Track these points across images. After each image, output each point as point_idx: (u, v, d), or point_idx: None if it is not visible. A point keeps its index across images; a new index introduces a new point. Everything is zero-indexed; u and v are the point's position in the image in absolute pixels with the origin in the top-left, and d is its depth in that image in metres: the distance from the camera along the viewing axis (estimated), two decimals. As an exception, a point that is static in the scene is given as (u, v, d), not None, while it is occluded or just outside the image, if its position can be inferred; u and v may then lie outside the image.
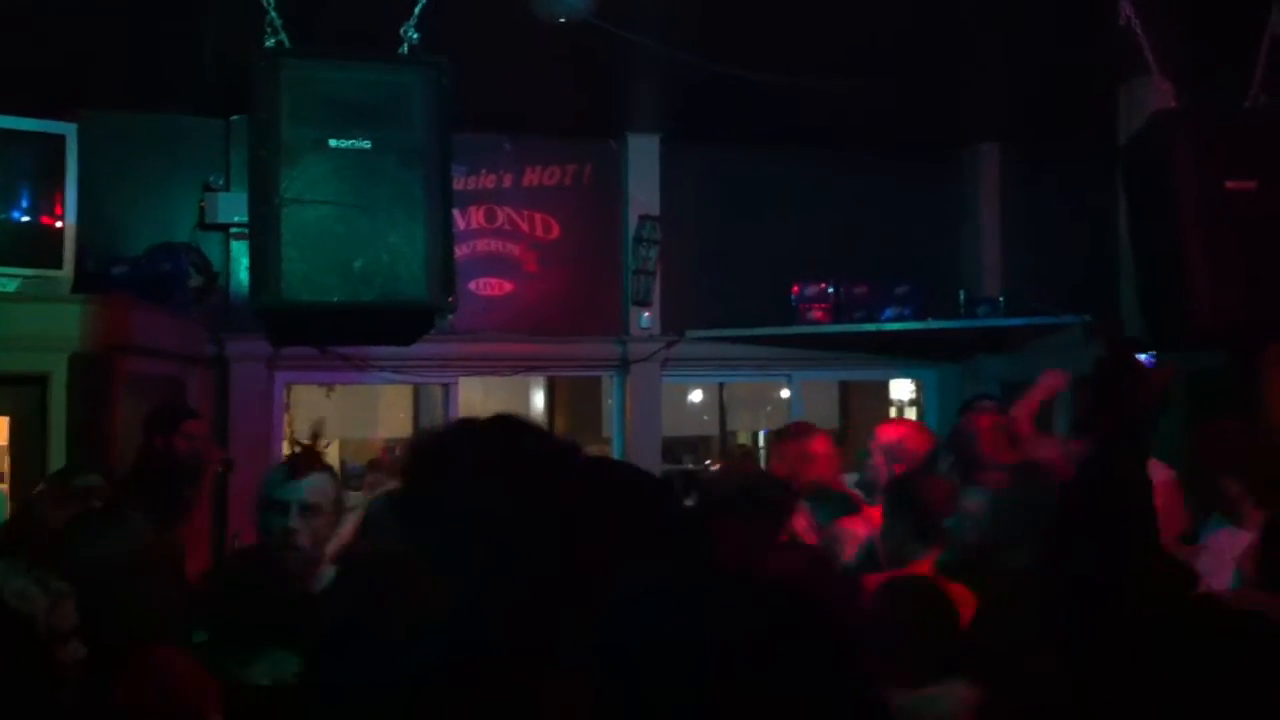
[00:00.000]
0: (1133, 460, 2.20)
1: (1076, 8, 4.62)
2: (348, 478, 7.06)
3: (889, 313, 7.01)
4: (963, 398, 6.51)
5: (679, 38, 5.13)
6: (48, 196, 5.54)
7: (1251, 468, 3.65)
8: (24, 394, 5.12)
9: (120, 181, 6.33)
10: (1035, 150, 7.03)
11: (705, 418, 10.06)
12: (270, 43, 3.66)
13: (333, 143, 3.60)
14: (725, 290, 7.16)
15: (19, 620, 2.05)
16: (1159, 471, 3.23)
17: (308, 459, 3.04)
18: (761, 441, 9.33)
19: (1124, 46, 4.26)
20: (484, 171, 6.97)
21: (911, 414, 8.28)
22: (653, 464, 6.85)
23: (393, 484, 3.20)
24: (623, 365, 7.18)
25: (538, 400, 9.93)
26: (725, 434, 9.76)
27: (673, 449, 8.70)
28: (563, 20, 4.80)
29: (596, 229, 7.18)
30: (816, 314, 7.08)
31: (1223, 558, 3.42)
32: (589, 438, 8.93)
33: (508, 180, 7.05)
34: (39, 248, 5.50)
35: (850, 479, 4.73)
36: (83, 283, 5.57)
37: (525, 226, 7.09)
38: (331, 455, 5.37)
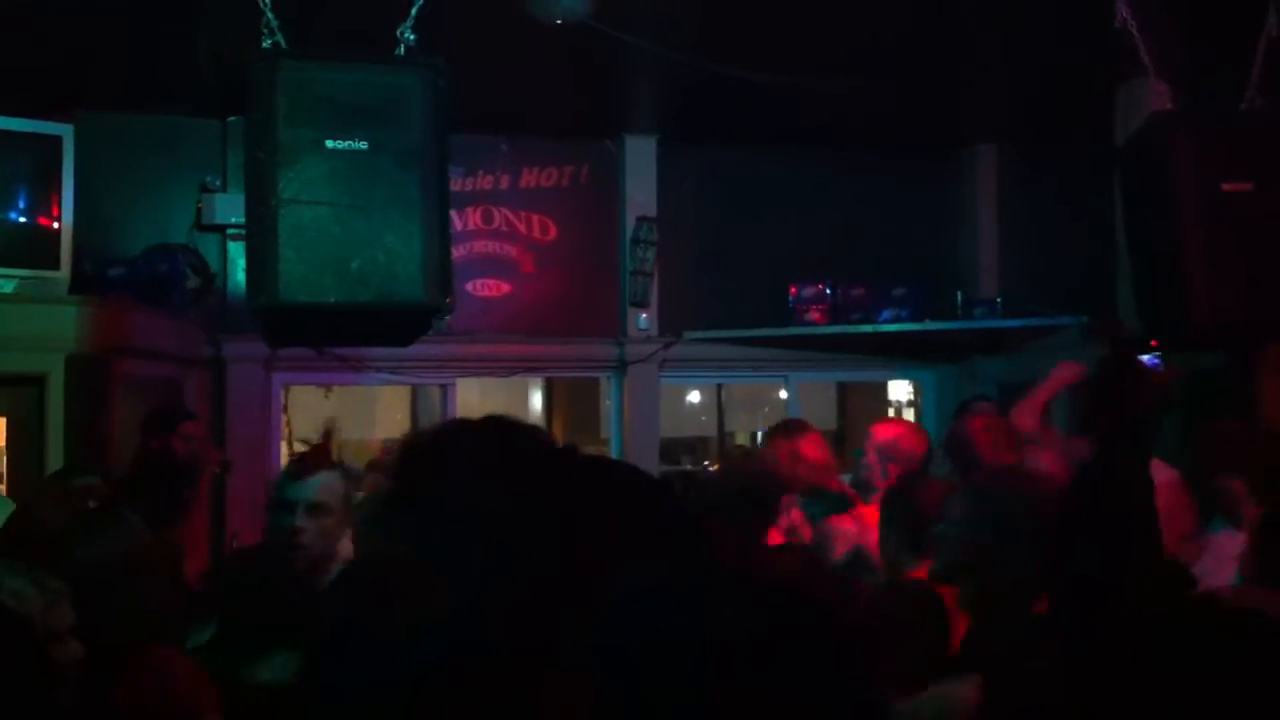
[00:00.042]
0: (1135, 460, 2.20)
1: (1075, 8, 4.62)
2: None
3: (886, 314, 7.02)
4: (960, 399, 6.51)
5: (677, 38, 5.13)
6: (45, 197, 5.54)
7: (1253, 467, 3.65)
8: (21, 395, 5.12)
9: (117, 182, 6.32)
10: (1033, 151, 7.04)
11: (703, 419, 10.07)
12: (267, 44, 3.66)
13: (330, 144, 3.59)
14: (723, 291, 7.16)
15: (16, 620, 2.05)
16: (1162, 472, 3.22)
17: (316, 457, 3.02)
18: (759, 442, 9.33)
19: (1121, 48, 4.27)
20: (481, 173, 6.97)
21: (909, 415, 8.29)
22: (651, 465, 6.84)
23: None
24: (620, 366, 7.18)
25: (535, 401, 9.93)
26: (723, 435, 9.76)
27: (671, 450, 8.70)
28: (560, 21, 4.81)
29: (594, 230, 7.18)
30: (814, 315, 7.08)
31: (1224, 558, 3.42)
32: (587, 439, 8.93)
33: (505, 181, 7.05)
34: (36, 249, 5.50)
35: (848, 479, 4.73)
36: (80, 284, 5.57)
37: (523, 228, 7.09)
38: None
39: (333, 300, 3.57)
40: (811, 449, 4.46)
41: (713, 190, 7.22)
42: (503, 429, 1.63)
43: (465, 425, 1.76)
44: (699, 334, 7.17)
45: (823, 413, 8.60)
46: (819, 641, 1.33)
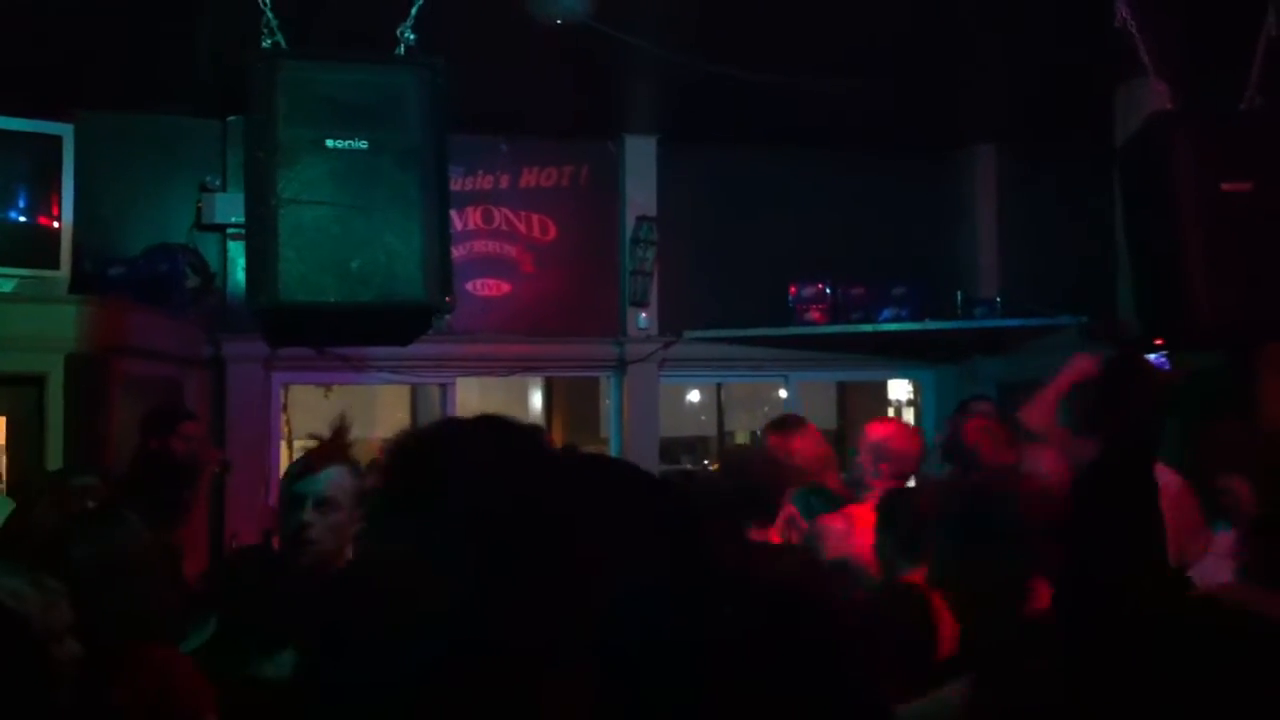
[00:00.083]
0: (1139, 460, 2.21)
1: (1074, 8, 4.62)
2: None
3: (886, 313, 7.02)
4: (960, 398, 6.52)
5: (677, 39, 5.13)
6: (44, 197, 5.54)
7: (1257, 468, 3.64)
8: (21, 394, 5.12)
9: (117, 182, 6.32)
10: (1032, 151, 7.04)
11: (703, 418, 10.07)
12: (267, 43, 3.66)
13: (329, 143, 3.60)
14: (722, 291, 7.16)
15: (15, 620, 2.05)
16: (1169, 478, 3.22)
17: (325, 452, 2.98)
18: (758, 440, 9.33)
19: (1120, 48, 4.27)
20: (481, 172, 6.97)
21: (909, 415, 8.29)
22: (650, 464, 6.84)
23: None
24: (620, 366, 7.18)
25: (535, 401, 9.93)
26: (723, 434, 9.76)
27: (670, 449, 8.71)
28: (560, 21, 4.81)
29: (594, 230, 7.18)
30: (814, 314, 7.08)
31: (1225, 557, 3.41)
32: (587, 438, 8.93)
33: (505, 181, 7.05)
34: (36, 248, 5.50)
35: (846, 478, 4.73)
36: (79, 283, 5.57)
37: (522, 227, 7.09)
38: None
39: (333, 300, 3.57)
40: (807, 444, 4.46)
41: (712, 190, 7.22)
42: (497, 428, 1.62)
43: (460, 424, 1.75)
44: (699, 333, 7.17)
45: (822, 412, 8.60)
46: (819, 641, 1.33)
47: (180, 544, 4.19)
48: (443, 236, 3.73)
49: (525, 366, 7.44)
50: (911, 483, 4.46)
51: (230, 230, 6.41)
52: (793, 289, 7.08)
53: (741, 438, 9.73)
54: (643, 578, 1.29)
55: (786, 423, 4.77)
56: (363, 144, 3.62)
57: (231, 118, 6.32)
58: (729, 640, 1.27)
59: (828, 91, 5.55)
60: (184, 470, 4.84)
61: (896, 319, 6.99)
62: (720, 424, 9.89)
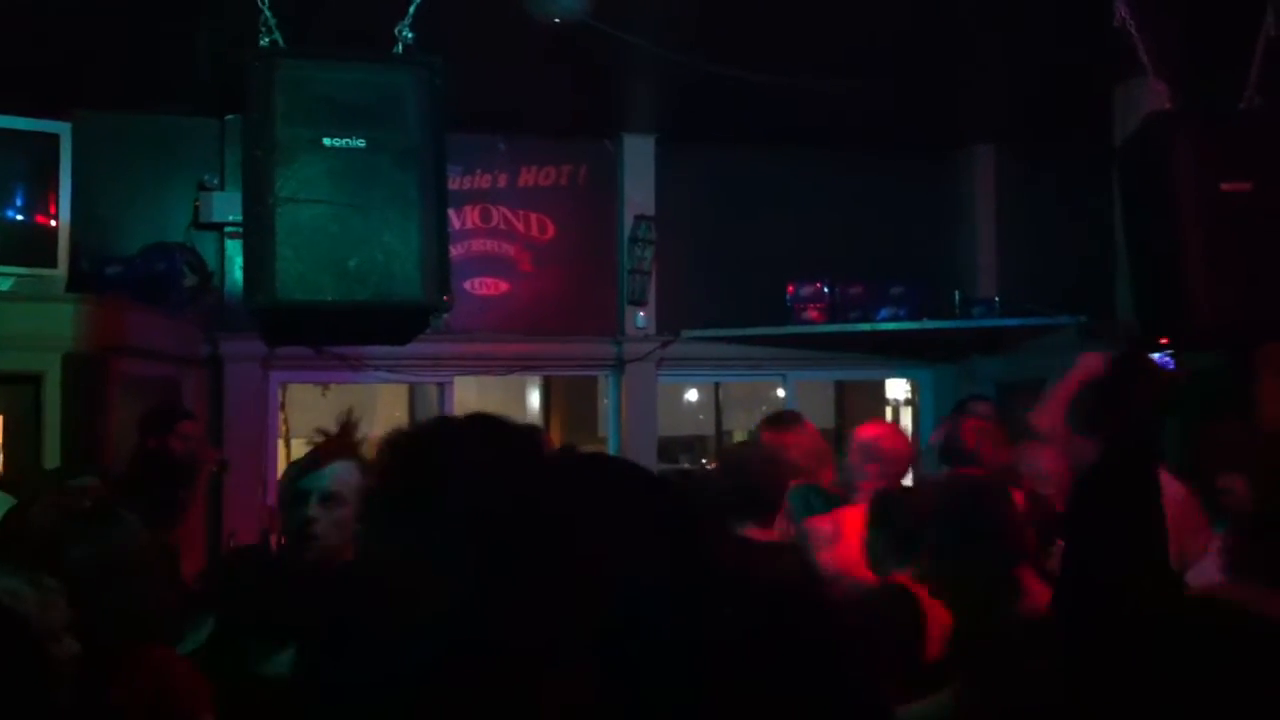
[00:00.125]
0: (1140, 460, 2.20)
1: (1073, 8, 4.62)
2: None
3: (884, 313, 7.02)
4: (958, 398, 6.52)
5: (676, 38, 5.13)
6: (42, 196, 5.54)
7: (1257, 468, 3.64)
8: (18, 393, 5.11)
9: (115, 181, 6.32)
10: (1031, 151, 7.04)
11: (701, 417, 10.08)
12: (265, 42, 3.65)
13: (327, 142, 3.58)
14: (721, 290, 7.16)
15: (14, 618, 2.04)
16: (1172, 486, 3.22)
17: (331, 447, 2.96)
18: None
19: (1119, 47, 4.27)
20: (479, 171, 6.97)
21: (907, 414, 8.29)
22: (648, 463, 6.84)
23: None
24: (618, 365, 7.18)
25: (533, 400, 9.93)
26: (721, 433, 9.76)
27: (669, 448, 8.71)
28: (558, 20, 4.80)
29: (592, 229, 7.17)
30: (812, 314, 7.08)
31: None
32: (585, 437, 8.93)
33: (503, 180, 7.05)
34: (33, 247, 5.50)
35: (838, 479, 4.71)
36: (77, 282, 5.56)
37: (520, 226, 7.09)
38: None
39: (330, 299, 3.56)
40: (803, 441, 4.45)
41: (711, 189, 7.22)
42: (493, 427, 1.62)
43: (455, 423, 1.75)
44: (697, 333, 7.17)
45: (821, 411, 8.60)
46: (819, 641, 1.33)
47: (178, 543, 4.19)
48: (441, 235, 3.72)
49: (523, 365, 7.44)
50: (907, 482, 4.46)
51: (228, 229, 6.41)
52: (791, 288, 7.07)
53: (739, 437, 9.73)
54: (642, 578, 1.29)
55: (782, 419, 4.75)
56: (361, 143, 3.61)
57: (229, 116, 6.31)
58: (729, 640, 1.27)
59: (827, 92, 5.55)
60: (182, 469, 4.84)
61: (895, 318, 6.99)
62: (718, 423, 9.90)
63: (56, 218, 5.53)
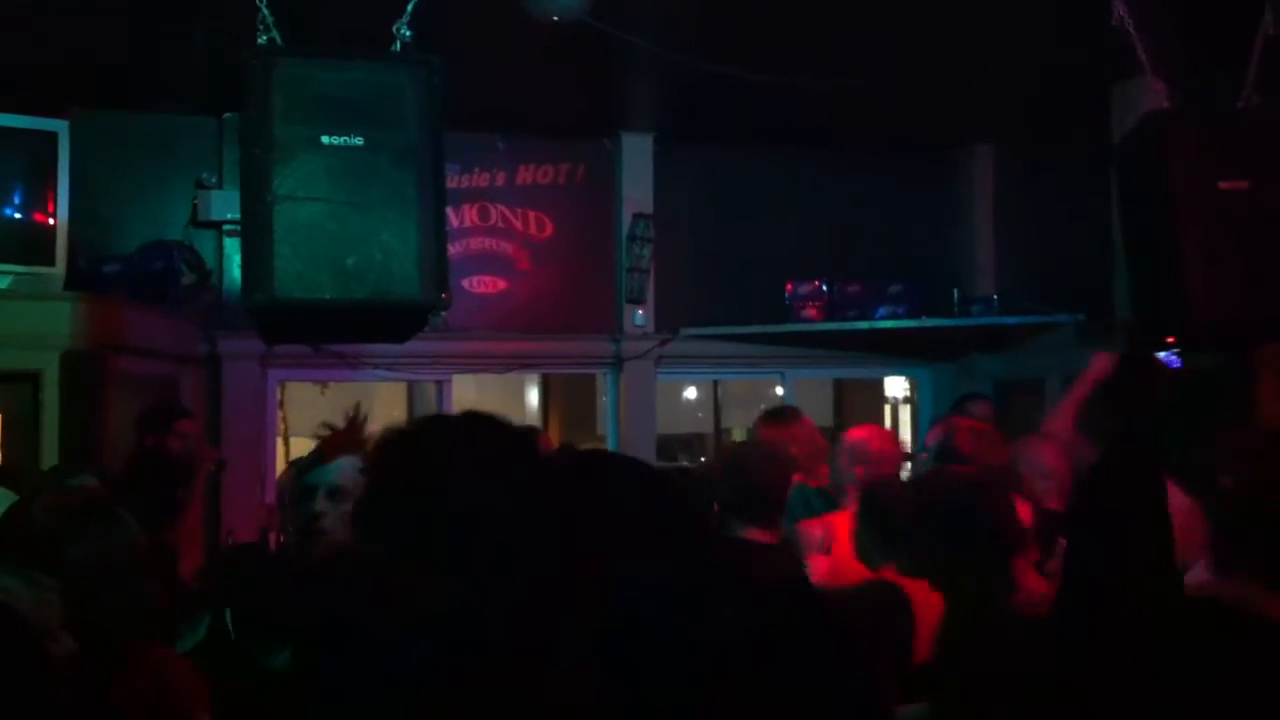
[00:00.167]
0: (1142, 459, 2.20)
1: (1072, 8, 4.62)
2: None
3: (883, 311, 7.02)
4: (957, 396, 6.52)
5: (675, 37, 5.13)
6: (40, 194, 5.53)
7: (1243, 463, 3.63)
8: (15, 392, 5.11)
9: (113, 179, 6.31)
10: (1029, 150, 7.04)
11: (700, 415, 10.08)
12: (263, 40, 3.65)
13: (325, 140, 3.58)
14: (719, 288, 7.16)
15: (11, 616, 2.04)
16: (1176, 497, 3.21)
17: (337, 442, 2.96)
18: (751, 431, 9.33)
19: (1118, 46, 4.27)
20: (477, 170, 6.97)
21: (906, 412, 8.30)
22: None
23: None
24: (617, 363, 7.18)
25: (532, 398, 9.93)
26: (720, 431, 9.77)
27: (667, 446, 8.71)
28: (556, 19, 4.79)
29: (590, 227, 7.17)
30: (810, 312, 7.08)
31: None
32: (583, 435, 8.94)
33: (501, 178, 7.04)
34: (31, 245, 5.49)
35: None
36: (75, 280, 5.56)
37: (519, 225, 7.08)
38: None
39: (328, 297, 3.56)
40: (802, 436, 4.44)
41: (709, 188, 7.22)
42: (489, 426, 1.62)
43: (451, 422, 1.74)
44: (695, 331, 7.17)
45: (819, 409, 8.61)
46: (818, 641, 1.33)
47: (176, 542, 4.19)
48: (439, 233, 3.72)
49: (522, 363, 7.43)
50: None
51: (226, 227, 6.40)
52: (789, 286, 7.07)
53: (738, 435, 9.74)
54: (643, 578, 1.28)
55: (781, 415, 4.74)
56: (359, 141, 3.61)
57: (227, 115, 6.30)
58: (729, 640, 1.27)
59: (826, 92, 5.54)
60: (180, 468, 4.83)
61: (893, 316, 6.99)
62: (717, 421, 9.90)
63: (54, 216, 5.52)
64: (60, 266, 5.50)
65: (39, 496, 3.34)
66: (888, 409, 8.74)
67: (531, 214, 7.09)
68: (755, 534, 3.41)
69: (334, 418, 2.99)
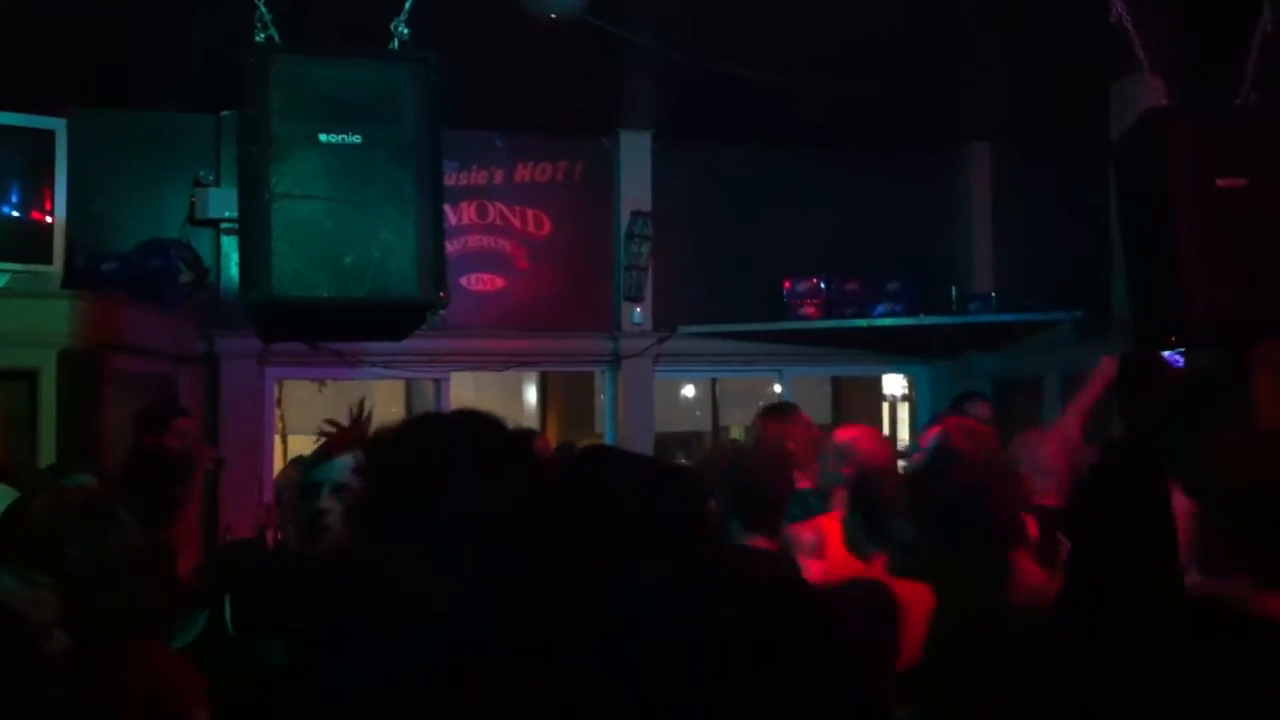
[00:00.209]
0: (1144, 458, 2.20)
1: (1070, 6, 4.62)
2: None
3: (881, 308, 7.02)
4: (955, 394, 6.52)
5: (674, 35, 5.12)
6: (37, 192, 5.52)
7: (1254, 467, 3.63)
8: (13, 390, 5.10)
9: (110, 177, 6.30)
10: (1028, 148, 7.04)
11: (698, 413, 10.08)
12: (260, 38, 3.64)
13: (323, 138, 3.57)
14: (717, 286, 7.16)
15: (8, 614, 2.04)
16: (1179, 500, 3.21)
17: (341, 438, 2.95)
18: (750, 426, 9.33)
19: (1116, 44, 4.26)
20: (475, 167, 6.96)
21: (904, 410, 8.30)
22: (645, 460, 6.83)
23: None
24: (615, 360, 7.18)
25: (530, 395, 9.93)
26: (718, 429, 9.77)
27: (665, 444, 8.71)
28: (554, 16, 4.79)
29: (588, 225, 7.17)
30: (808, 309, 7.08)
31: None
32: (581, 433, 8.94)
33: (499, 176, 7.04)
34: (29, 243, 5.48)
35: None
36: (72, 278, 5.55)
37: (517, 222, 7.08)
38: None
39: (326, 295, 3.55)
40: (802, 432, 4.43)
41: (708, 186, 7.22)
42: (486, 426, 1.61)
43: (448, 421, 1.74)
44: (693, 328, 7.17)
45: (817, 407, 8.61)
46: (818, 641, 1.32)
47: (174, 541, 4.18)
48: (437, 231, 3.72)
49: (520, 361, 7.43)
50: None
51: (224, 225, 6.40)
52: (787, 284, 7.08)
53: (736, 433, 9.74)
54: (643, 578, 1.28)
55: (783, 410, 4.73)
56: (356, 139, 3.60)
57: (225, 113, 6.29)
58: (729, 640, 1.27)
59: (825, 91, 5.54)
60: (178, 467, 4.82)
61: (892, 314, 6.99)
62: (715, 419, 9.90)
63: (52, 214, 5.51)
64: (58, 265, 5.49)
65: (38, 495, 3.34)
66: (886, 407, 8.74)
67: (530, 212, 7.09)
68: (756, 538, 3.38)
69: (332, 416, 2.99)
